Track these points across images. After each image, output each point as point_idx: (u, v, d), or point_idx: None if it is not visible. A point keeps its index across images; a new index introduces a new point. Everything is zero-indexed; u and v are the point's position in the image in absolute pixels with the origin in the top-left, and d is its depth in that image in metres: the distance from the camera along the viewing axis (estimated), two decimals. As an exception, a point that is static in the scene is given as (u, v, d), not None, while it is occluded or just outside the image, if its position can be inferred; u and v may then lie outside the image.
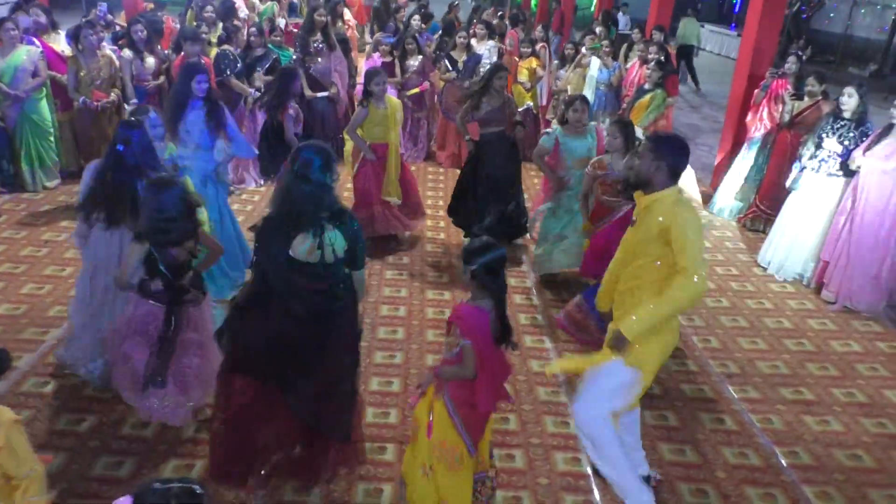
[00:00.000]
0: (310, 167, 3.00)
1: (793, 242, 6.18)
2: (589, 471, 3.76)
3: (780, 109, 6.98)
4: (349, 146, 6.19)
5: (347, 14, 10.82)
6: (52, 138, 7.06)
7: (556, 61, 9.53)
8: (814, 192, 6.01)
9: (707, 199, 8.04)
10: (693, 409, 4.36)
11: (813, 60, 19.89)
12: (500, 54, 9.63)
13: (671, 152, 3.20)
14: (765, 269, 6.36)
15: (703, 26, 22.86)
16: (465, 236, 6.50)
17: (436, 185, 8.16)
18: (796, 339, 5.24)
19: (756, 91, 7.46)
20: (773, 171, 6.96)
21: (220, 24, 8.21)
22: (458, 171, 8.39)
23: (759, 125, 7.37)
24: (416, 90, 8.50)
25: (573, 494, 3.60)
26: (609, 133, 5.01)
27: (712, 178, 8.52)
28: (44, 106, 6.96)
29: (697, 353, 4.98)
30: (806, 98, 6.72)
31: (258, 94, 7.15)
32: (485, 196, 6.13)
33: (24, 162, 6.92)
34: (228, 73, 7.19)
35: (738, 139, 7.91)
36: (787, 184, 6.24)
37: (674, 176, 3.20)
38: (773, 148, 7.07)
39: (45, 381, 4.21)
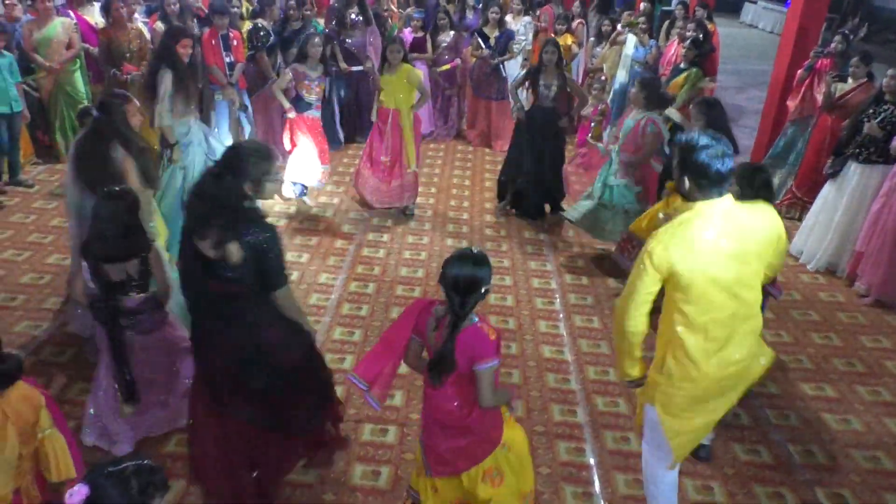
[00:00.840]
0: (232, 167, 2.76)
1: (827, 231, 5.94)
2: (591, 462, 3.70)
3: (823, 91, 6.69)
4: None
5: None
6: (86, 109, 7.17)
7: (592, 38, 9.28)
8: (852, 180, 5.75)
9: (743, 183, 7.77)
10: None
11: (871, 39, 19.03)
12: (536, 31, 9.44)
13: (688, 157, 2.63)
14: (797, 259, 6.14)
15: (755, 2, 22.16)
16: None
17: (463, 164, 8.07)
18: (823, 333, 5.06)
19: (799, 71, 7.16)
20: (811, 156, 6.69)
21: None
22: (487, 150, 8.37)
23: (800, 107, 7.09)
24: (446, 66, 8.39)
25: (573, 485, 3.55)
26: (693, 116, 4.77)
27: (750, 160, 8.22)
28: (78, 78, 7.07)
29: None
30: (850, 80, 6.41)
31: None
32: (528, 169, 6.41)
33: (59, 133, 7.07)
34: (260, 47, 7.20)
35: (779, 121, 7.62)
36: (825, 170, 5.98)
37: (713, 186, 2.60)
38: (813, 132, 6.79)
39: (61, 349, 4.32)
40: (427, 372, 2.67)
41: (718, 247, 2.58)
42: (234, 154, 2.84)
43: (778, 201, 7.16)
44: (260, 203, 2.88)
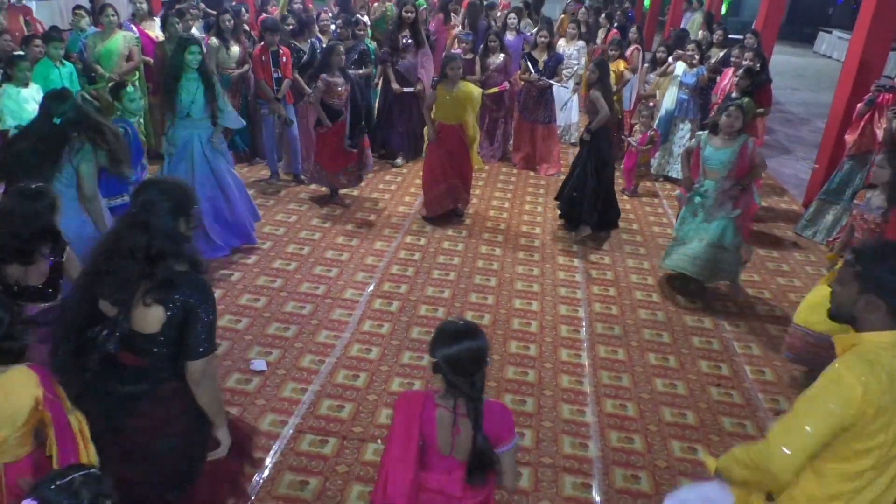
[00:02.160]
0: (152, 211, 2.39)
1: None
2: (597, 499, 3.56)
3: (884, 127, 6.38)
4: (427, 128, 6.72)
5: (454, 18, 10.79)
6: (141, 120, 7.44)
7: (646, 64, 9.14)
8: (908, 221, 5.44)
9: (796, 217, 7.49)
10: (728, 445, 4.03)
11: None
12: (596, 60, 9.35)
13: (889, 280, 2.05)
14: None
15: (830, 32, 21.49)
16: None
17: (505, 186, 8.02)
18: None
19: (859, 105, 6.86)
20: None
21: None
22: (531, 173, 8.31)
23: (858, 142, 6.78)
24: (495, 89, 8.37)
25: (575, 521, 3.43)
26: (878, 164, 4.67)
27: (805, 196, 7.92)
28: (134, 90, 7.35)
29: (747, 385, 4.62)
30: (913, 115, 6.09)
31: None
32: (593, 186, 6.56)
33: (116, 141, 7.36)
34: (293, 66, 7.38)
35: (837, 156, 7.30)
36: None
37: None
38: (871, 169, 6.46)
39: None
40: (464, 475, 2.28)
41: None
42: (153, 190, 2.48)
43: (831, 239, 6.86)
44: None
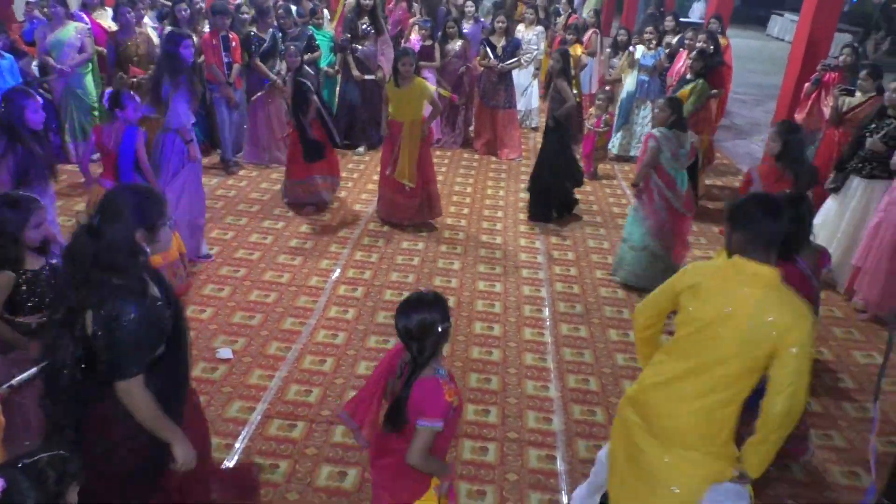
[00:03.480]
0: (108, 219, 2.27)
1: (828, 246, 5.80)
2: (561, 469, 3.67)
3: (831, 104, 6.60)
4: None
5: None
6: (95, 112, 7.35)
7: (608, 49, 9.26)
8: (854, 195, 5.66)
9: (749, 196, 7.69)
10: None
11: (900, 54, 18.73)
12: (557, 41, 9.46)
13: (743, 218, 2.51)
14: (797, 273, 6.04)
15: (782, 15, 21.94)
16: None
17: (467, 172, 8.09)
18: (816, 348, 4.96)
19: (806, 85, 7.09)
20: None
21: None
22: (493, 158, 8.38)
23: (807, 120, 7.00)
24: (445, 92, 8.24)
25: (540, 492, 3.52)
26: (770, 137, 4.79)
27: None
28: (89, 81, 7.25)
29: (704, 357, 4.77)
30: (858, 94, 6.31)
31: (278, 77, 7.35)
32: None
33: (68, 134, 7.24)
34: (253, 53, 7.33)
35: (787, 135, 7.51)
36: (826, 185, 5.89)
37: (753, 243, 2.47)
38: (820, 146, 6.69)
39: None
40: (387, 422, 2.51)
41: (726, 299, 2.46)
42: (119, 198, 2.35)
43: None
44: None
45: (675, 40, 8.91)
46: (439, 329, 2.42)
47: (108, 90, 5.12)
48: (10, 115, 4.03)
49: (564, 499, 3.49)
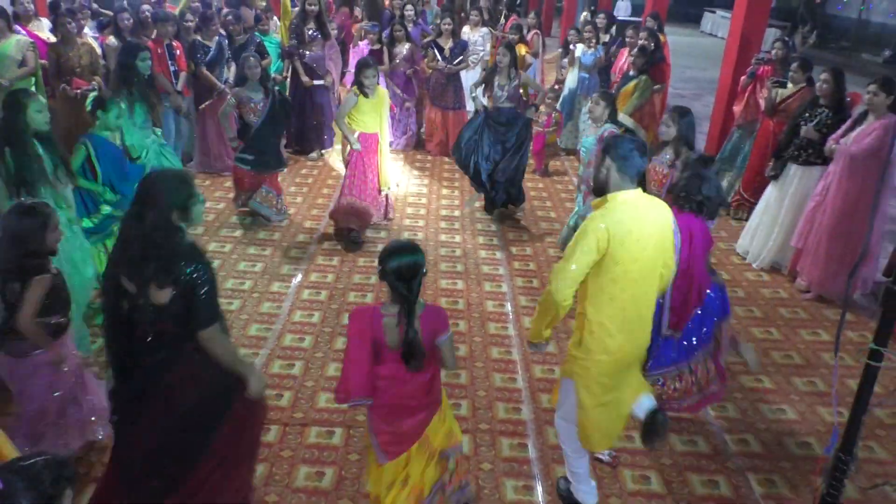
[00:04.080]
0: (151, 202, 2.57)
1: (770, 231, 6.13)
2: (533, 456, 3.79)
3: (765, 96, 6.90)
4: (340, 135, 6.20)
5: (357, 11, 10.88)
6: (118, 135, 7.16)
7: (559, 49, 9.48)
8: (792, 181, 5.95)
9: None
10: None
11: (826, 46, 19.61)
12: (505, 42, 9.60)
13: (617, 150, 2.99)
14: (743, 258, 6.32)
15: (714, 12, 22.73)
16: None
17: (422, 174, 8.18)
18: (764, 328, 5.21)
19: (742, 78, 7.38)
20: (755, 159, 6.89)
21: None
22: (446, 159, 8.49)
23: (744, 112, 7.30)
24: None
25: (514, 479, 3.63)
26: (664, 122, 4.86)
27: (701, 166, 8.44)
28: (30, 95, 7.05)
29: (662, 341, 4.96)
30: (790, 85, 6.63)
31: (225, 85, 7.29)
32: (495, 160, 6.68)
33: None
34: (199, 61, 7.28)
35: (726, 127, 7.83)
36: (766, 172, 6.18)
37: (625, 174, 2.95)
38: (757, 136, 7.00)
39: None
40: (403, 364, 2.76)
41: (638, 229, 2.91)
42: (151, 186, 2.61)
43: (729, 201, 7.38)
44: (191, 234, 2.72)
45: (607, 38, 9.17)
46: (423, 270, 2.75)
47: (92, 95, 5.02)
48: (11, 119, 3.98)
49: (538, 484, 3.61)
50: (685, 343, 3.75)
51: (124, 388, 2.71)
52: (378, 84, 6.11)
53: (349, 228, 6.14)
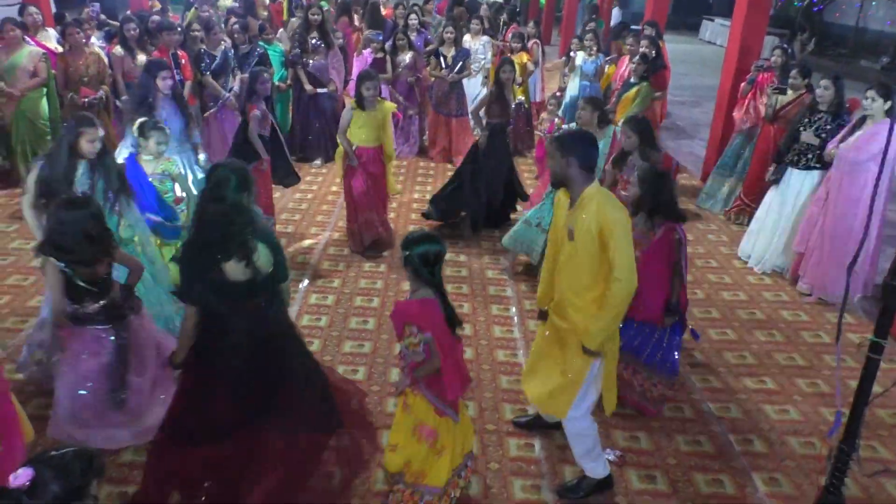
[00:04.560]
0: (224, 187, 2.96)
1: (772, 235, 6.19)
2: (540, 456, 3.83)
3: (765, 102, 6.98)
4: (341, 148, 6.02)
5: (356, 18, 11.02)
6: (48, 136, 7.23)
7: (563, 58, 9.57)
8: (792, 185, 6.02)
9: (696, 192, 8.06)
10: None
11: (824, 53, 19.73)
12: (500, 50, 9.71)
13: (578, 147, 3.17)
14: (745, 262, 6.38)
15: (713, 20, 22.87)
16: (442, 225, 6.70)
17: (425, 181, 8.24)
18: (767, 331, 5.27)
19: (742, 84, 7.47)
20: (756, 165, 6.96)
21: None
22: (448, 165, 8.55)
23: (745, 119, 7.39)
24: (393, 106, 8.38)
25: (522, 479, 3.68)
26: (623, 132, 4.99)
27: (702, 171, 8.53)
28: (43, 105, 7.11)
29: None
30: (790, 92, 6.71)
31: (231, 94, 7.35)
32: (481, 185, 6.54)
33: (20, 158, 7.11)
34: (203, 70, 7.35)
35: (727, 133, 7.91)
36: (767, 177, 6.25)
37: (587, 170, 3.17)
38: (757, 142, 7.07)
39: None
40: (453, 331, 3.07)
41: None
42: (224, 175, 3.00)
43: (728, 208, 7.45)
44: None
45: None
46: (444, 257, 3.05)
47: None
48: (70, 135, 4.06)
49: (545, 483, 3.65)
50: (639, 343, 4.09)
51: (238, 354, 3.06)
52: (383, 97, 5.99)
53: (374, 238, 6.16)
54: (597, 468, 3.52)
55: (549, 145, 3.28)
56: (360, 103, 5.73)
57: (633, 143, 4.89)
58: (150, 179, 4.62)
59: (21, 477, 1.80)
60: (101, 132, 4.05)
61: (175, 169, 4.81)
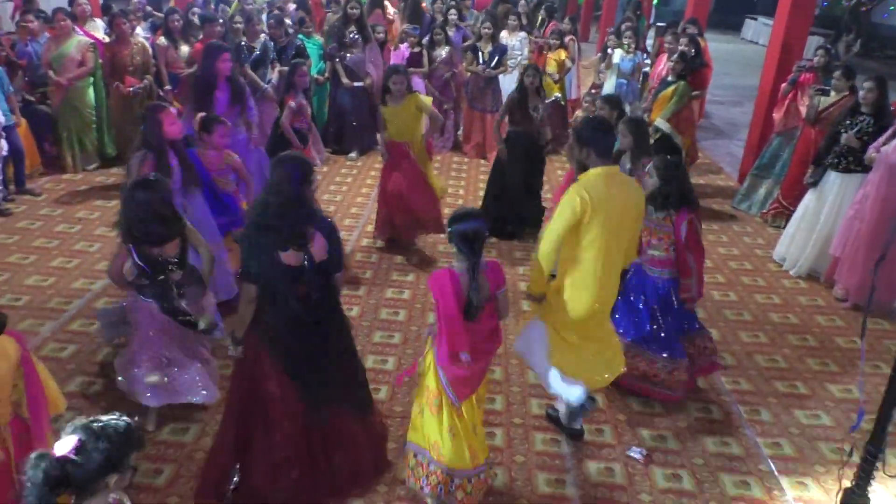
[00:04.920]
0: (288, 180, 3.09)
1: (808, 238, 6.10)
2: (566, 451, 3.86)
3: (806, 104, 6.87)
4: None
5: (389, 8, 11.08)
6: (93, 125, 7.45)
7: (598, 54, 9.53)
8: (831, 188, 5.92)
9: (732, 193, 7.97)
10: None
11: (871, 55, 19.27)
12: (539, 46, 9.69)
13: (594, 137, 3.49)
14: (780, 266, 6.30)
15: (755, 19, 22.48)
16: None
17: (458, 175, 8.29)
18: (800, 335, 5.21)
19: (783, 85, 7.35)
20: (795, 167, 6.85)
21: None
22: (482, 161, 8.58)
23: (784, 120, 7.27)
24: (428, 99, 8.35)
25: (547, 472, 3.71)
26: (620, 132, 4.88)
27: (739, 172, 8.42)
28: (89, 94, 7.34)
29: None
30: (832, 93, 6.59)
31: (269, 86, 7.44)
32: (512, 195, 6.48)
33: (66, 145, 7.33)
34: (243, 62, 7.46)
35: (766, 134, 7.80)
36: (805, 179, 6.16)
37: (602, 155, 3.48)
38: (797, 143, 6.96)
39: (63, 346, 4.53)
40: (467, 314, 3.12)
41: (611, 199, 3.40)
42: (284, 166, 3.14)
43: (765, 211, 7.35)
44: None
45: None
46: (486, 234, 3.18)
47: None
48: (150, 129, 4.22)
49: (570, 478, 3.68)
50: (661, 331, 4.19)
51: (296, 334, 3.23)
52: (415, 91, 5.93)
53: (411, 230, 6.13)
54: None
55: (570, 138, 3.56)
56: (384, 98, 5.71)
57: (628, 144, 4.82)
58: (211, 175, 4.78)
59: (66, 445, 1.88)
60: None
61: (235, 160, 4.91)
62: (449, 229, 3.17)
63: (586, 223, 3.37)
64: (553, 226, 3.46)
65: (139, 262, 3.56)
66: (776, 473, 3.79)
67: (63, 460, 1.86)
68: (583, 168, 3.56)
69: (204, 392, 3.82)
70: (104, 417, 1.98)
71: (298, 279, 3.13)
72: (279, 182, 3.10)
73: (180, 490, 3.46)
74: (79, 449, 1.87)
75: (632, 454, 3.85)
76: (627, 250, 3.66)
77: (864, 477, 2.49)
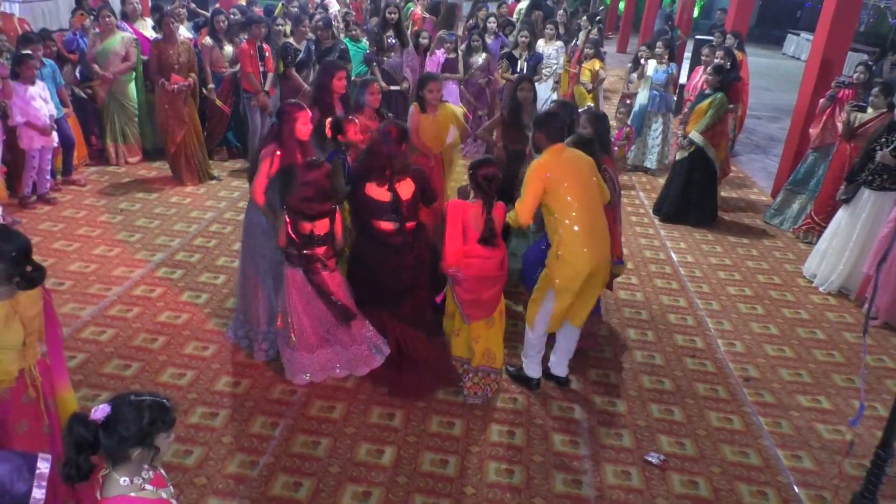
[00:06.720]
0: (389, 137, 4.06)
1: (840, 256, 6.05)
2: (584, 453, 3.91)
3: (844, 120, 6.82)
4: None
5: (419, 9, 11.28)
6: (136, 118, 7.71)
7: (629, 65, 9.56)
8: (865, 206, 5.87)
9: (764, 208, 7.93)
10: (702, 407, 4.41)
11: (916, 74, 18.90)
12: (577, 55, 9.74)
13: (546, 123, 4.13)
14: (810, 282, 6.26)
15: (798, 34, 22.20)
16: None
17: (490, 180, 8.36)
18: (827, 351, 5.18)
19: (821, 101, 7.30)
20: (829, 183, 6.80)
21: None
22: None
23: (821, 135, 7.22)
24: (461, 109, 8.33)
25: (564, 473, 3.76)
26: (581, 125, 4.81)
27: (773, 186, 8.37)
28: (132, 88, 7.61)
29: (719, 356, 5.00)
30: (870, 110, 6.53)
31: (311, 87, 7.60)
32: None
33: (109, 137, 7.59)
34: (289, 64, 7.64)
35: (801, 149, 7.75)
36: (838, 196, 6.12)
37: (552, 138, 4.07)
38: (833, 160, 6.91)
39: (102, 330, 4.70)
40: (485, 240, 4.03)
41: (568, 161, 4.05)
42: (394, 125, 4.20)
43: (797, 226, 7.30)
44: None
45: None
46: (500, 176, 4.09)
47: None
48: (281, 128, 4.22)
49: (587, 479, 3.72)
50: None
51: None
52: (446, 101, 5.70)
53: None
54: (528, 367, 4.42)
55: (533, 126, 4.21)
56: (422, 105, 5.48)
57: (588, 135, 4.67)
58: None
59: (100, 412, 2.00)
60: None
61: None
62: (471, 172, 4.00)
63: (553, 188, 3.93)
64: (523, 191, 4.02)
65: (291, 235, 4.10)
66: (794, 485, 3.79)
67: (94, 424, 1.98)
68: (538, 149, 4.17)
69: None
70: (145, 393, 2.08)
71: (387, 211, 4.13)
72: (384, 139, 4.09)
73: (208, 472, 3.58)
74: (109, 416, 1.99)
75: (649, 459, 3.88)
76: (602, 195, 4.20)
77: (873, 482, 2.50)
